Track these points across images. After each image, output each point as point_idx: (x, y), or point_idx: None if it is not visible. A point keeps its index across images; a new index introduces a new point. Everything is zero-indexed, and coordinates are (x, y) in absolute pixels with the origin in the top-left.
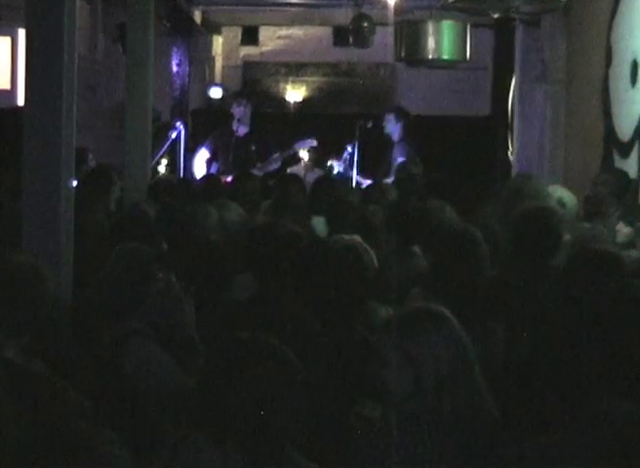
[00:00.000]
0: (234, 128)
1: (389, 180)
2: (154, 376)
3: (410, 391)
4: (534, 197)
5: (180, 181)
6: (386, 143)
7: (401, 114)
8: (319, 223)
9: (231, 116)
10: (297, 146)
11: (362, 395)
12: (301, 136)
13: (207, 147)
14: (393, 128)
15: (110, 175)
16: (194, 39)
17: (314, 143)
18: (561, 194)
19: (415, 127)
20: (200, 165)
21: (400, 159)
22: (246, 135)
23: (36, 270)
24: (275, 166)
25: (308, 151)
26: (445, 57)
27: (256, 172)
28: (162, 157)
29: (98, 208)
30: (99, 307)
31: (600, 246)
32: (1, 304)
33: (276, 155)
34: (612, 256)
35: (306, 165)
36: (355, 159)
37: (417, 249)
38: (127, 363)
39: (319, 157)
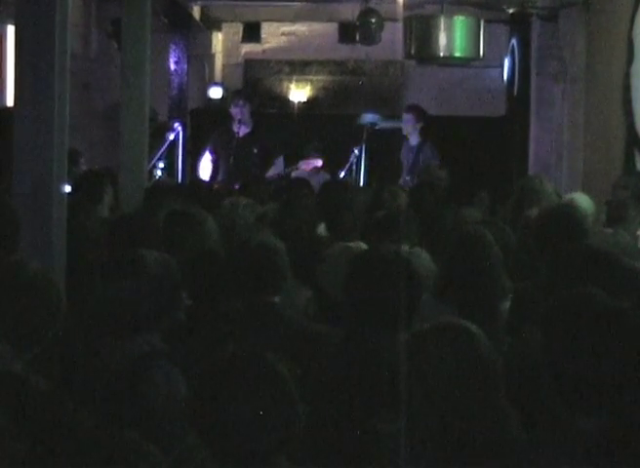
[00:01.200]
0: (235, 129)
1: (402, 183)
2: (177, 406)
3: (421, 407)
4: (545, 200)
5: (179, 186)
6: (396, 145)
7: (420, 113)
8: (322, 230)
9: (231, 117)
10: (301, 165)
11: (379, 408)
12: (306, 137)
13: (209, 150)
14: (411, 128)
15: (103, 180)
16: (193, 36)
17: (319, 164)
18: (578, 200)
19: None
20: (206, 168)
21: (435, 162)
22: (247, 136)
23: (50, 280)
24: (277, 173)
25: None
26: (457, 54)
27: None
28: (159, 160)
29: (89, 214)
30: (106, 321)
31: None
32: (14, 314)
33: (278, 160)
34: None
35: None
36: (362, 162)
37: (421, 250)
38: (148, 388)
39: (325, 160)
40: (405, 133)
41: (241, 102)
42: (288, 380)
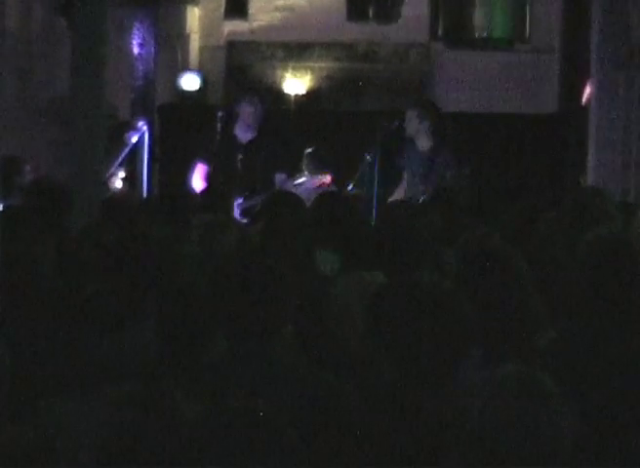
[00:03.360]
0: (240, 134)
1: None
2: None
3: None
4: (601, 219)
5: (144, 200)
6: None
7: (426, 110)
8: (326, 258)
9: (235, 117)
10: (305, 182)
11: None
12: (305, 139)
13: (201, 161)
14: (415, 129)
15: (63, 194)
16: (163, 11)
17: (328, 179)
18: None
19: (456, 128)
20: (198, 183)
21: (449, 174)
22: (251, 142)
23: None
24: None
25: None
26: (498, 35)
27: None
28: (119, 168)
29: (45, 237)
30: None
31: None
32: None
33: (278, 178)
34: None
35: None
36: (377, 170)
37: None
38: None
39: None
40: (409, 134)
41: (256, 100)
42: (288, 434)
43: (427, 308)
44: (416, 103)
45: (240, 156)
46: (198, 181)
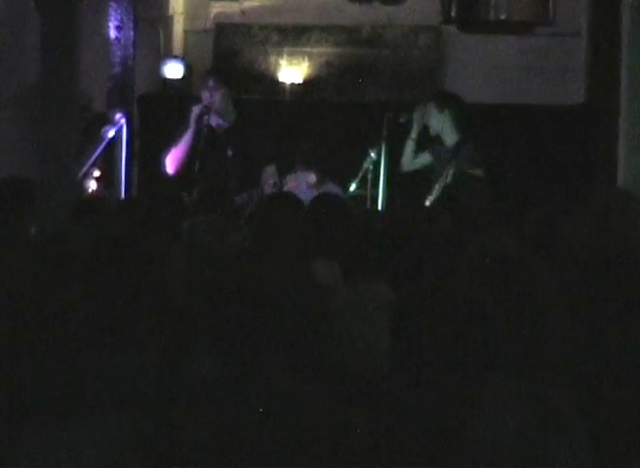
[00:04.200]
0: (212, 122)
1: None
2: None
3: None
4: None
5: (122, 201)
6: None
7: (447, 100)
8: (323, 268)
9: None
10: (288, 182)
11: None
12: (302, 134)
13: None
14: (436, 122)
15: (29, 190)
16: None
17: (313, 179)
18: None
19: (472, 121)
20: (171, 166)
21: (471, 172)
22: (224, 132)
23: None
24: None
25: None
26: (517, 17)
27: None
28: (94, 166)
29: (10, 237)
30: None
31: None
32: None
33: (267, 170)
34: None
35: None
36: (382, 169)
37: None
38: None
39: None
40: (432, 133)
41: (211, 83)
42: None
43: (459, 318)
44: (433, 96)
45: (202, 147)
46: (169, 165)
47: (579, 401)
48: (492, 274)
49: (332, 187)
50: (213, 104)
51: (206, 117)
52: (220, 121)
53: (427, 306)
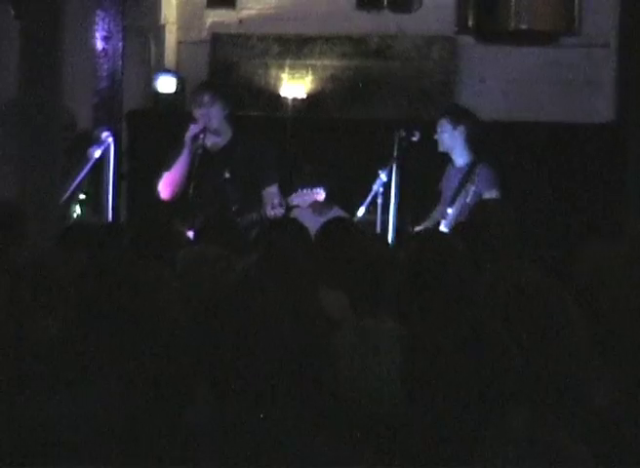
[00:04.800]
0: (206, 142)
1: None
2: None
3: None
4: None
5: (110, 227)
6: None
7: (461, 116)
8: (332, 298)
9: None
10: (293, 200)
11: None
12: (304, 153)
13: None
14: (450, 140)
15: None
16: None
17: (321, 195)
18: None
19: (489, 140)
20: (165, 190)
21: (488, 194)
22: (220, 151)
23: None
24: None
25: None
26: (540, 27)
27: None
28: (79, 189)
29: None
30: None
31: None
32: None
33: (269, 190)
34: None
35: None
36: (393, 193)
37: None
38: None
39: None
40: (442, 148)
41: (206, 99)
42: None
43: (475, 353)
44: (447, 111)
45: (213, 170)
46: (163, 189)
47: (593, 440)
48: (509, 305)
49: (337, 213)
50: (210, 124)
51: (201, 136)
52: (218, 140)
53: (441, 340)
